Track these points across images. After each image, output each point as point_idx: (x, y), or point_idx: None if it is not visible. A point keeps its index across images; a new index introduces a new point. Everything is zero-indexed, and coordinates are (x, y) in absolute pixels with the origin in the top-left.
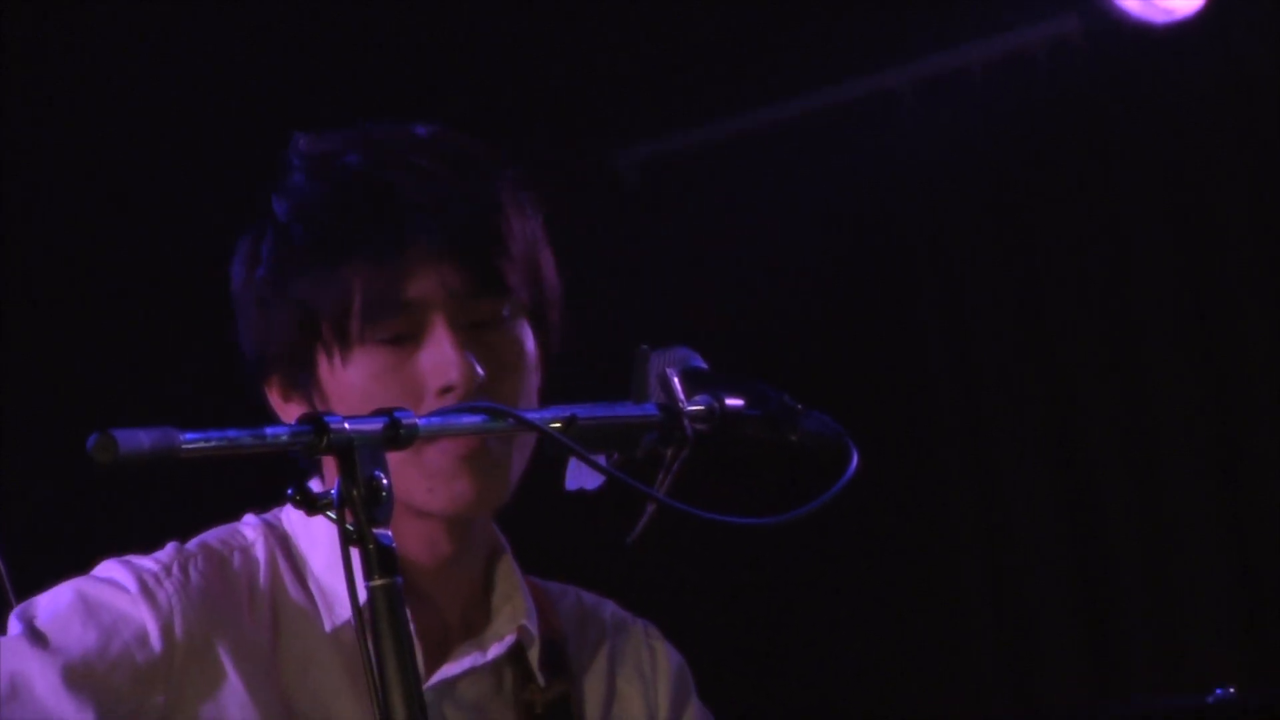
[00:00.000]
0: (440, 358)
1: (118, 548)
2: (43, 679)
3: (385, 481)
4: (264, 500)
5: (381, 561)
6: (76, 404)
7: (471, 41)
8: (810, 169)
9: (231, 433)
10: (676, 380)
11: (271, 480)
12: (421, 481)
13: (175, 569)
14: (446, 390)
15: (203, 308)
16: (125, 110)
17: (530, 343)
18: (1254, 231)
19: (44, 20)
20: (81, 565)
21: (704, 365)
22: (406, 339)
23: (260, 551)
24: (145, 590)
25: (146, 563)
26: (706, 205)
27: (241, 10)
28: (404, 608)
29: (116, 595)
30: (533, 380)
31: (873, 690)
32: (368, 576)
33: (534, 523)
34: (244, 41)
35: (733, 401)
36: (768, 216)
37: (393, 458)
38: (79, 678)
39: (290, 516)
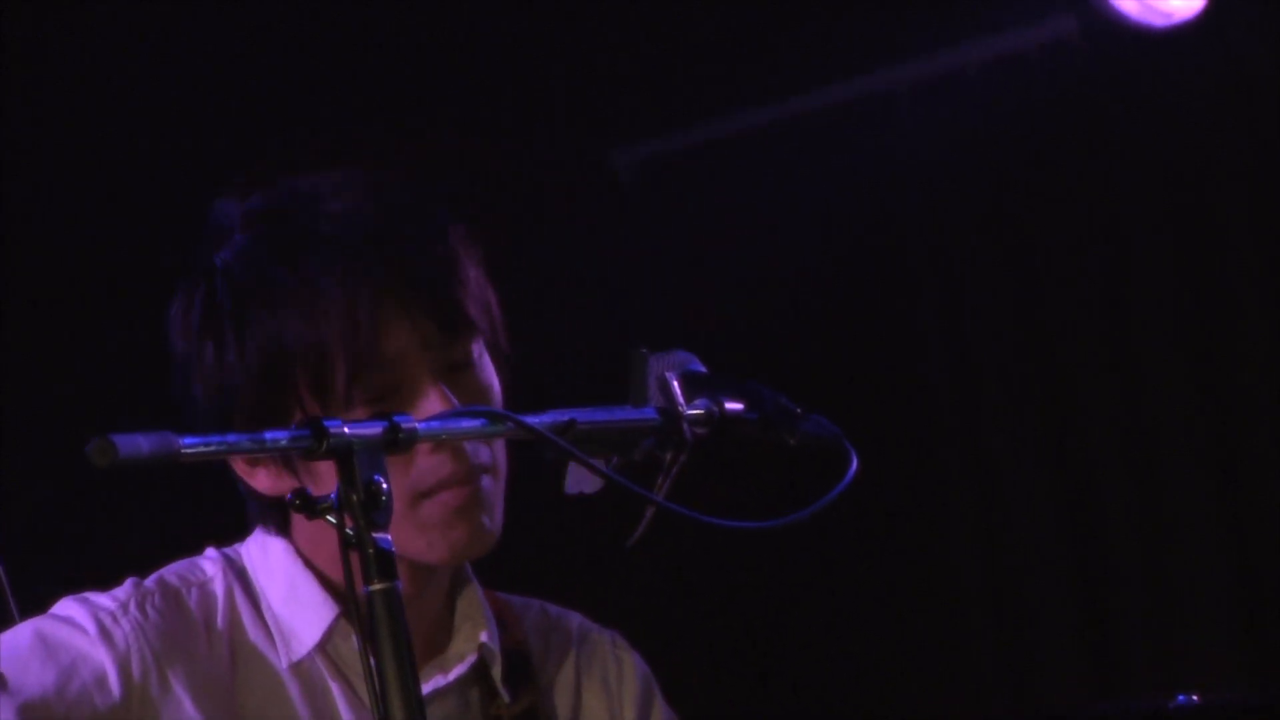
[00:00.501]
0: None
1: (117, 550)
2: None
3: (385, 485)
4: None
5: (381, 565)
6: (76, 406)
7: (469, 41)
8: (808, 169)
9: (230, 437)
10: (675, 384)
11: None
12: (419, 536)
13: (133, 607)
14: (443, 447)
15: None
16: (126, 111)
17: (495, 375)
18: (1253, 233)
19: (44, 20)
20: (80, 568)
21: (703, 369)
22: (391, 393)
23: (219, 587)
24: (103, 631)
25: (104, 601)
26: (704, 206)
27: (241, 9)
28: (404, 612)
29: (74, 635)
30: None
31: (872, 691)
32: (367, 581)
33: (534, 527)
34: (243, 41)
35: (732, 405)
36: (765, 217)
37: (395, 516)
38: (37, 718)
39: (249, 550)
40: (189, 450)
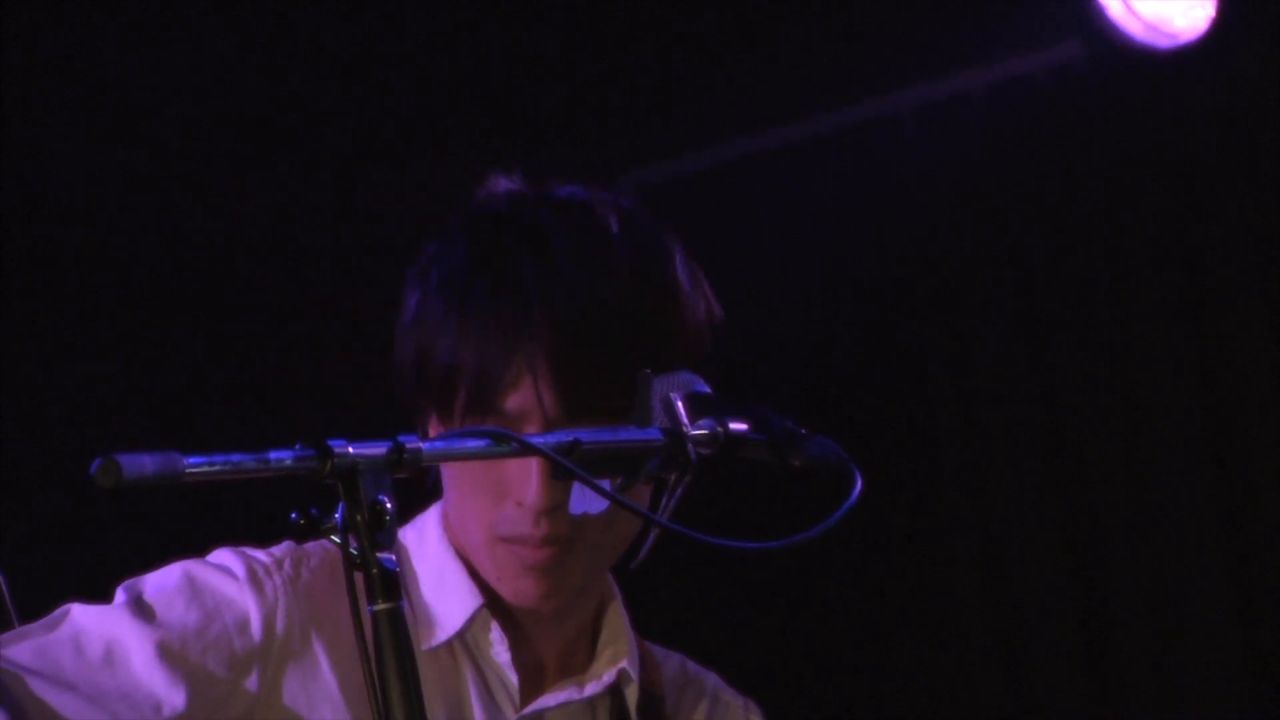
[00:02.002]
0: (523, 472)
1: (120, 563)
2: (140, 650)
3: (389, 506)
4: (267, 517)
5: (384, 586)
6: (78, 420)
7: (477, 65)
8: (814, 193)
9: (235, 457)
10: (680, 404)
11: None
12: (493, 573)
13: (287, 564)
14: (521, 505)
15: (204, 318)
16: (129, 119)
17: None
18: (1258, 254)
19: (45, 21)
20: (84, 578)
21: (707, 390)
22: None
23: None
24: (254, 579)
25: (259, 554)
26: (708, 229)
27: (247, 18)
28: (407, 632)
29: (224, 580)
30: (620, 528)
31: (871, 702)
32: (371, 601)
33: None
34: (249, 50)
35: (736, 426)
36: (771, 240)
37: (471, 543)
38: (174, 655)
39: (408, 535)
40: (193, 470)
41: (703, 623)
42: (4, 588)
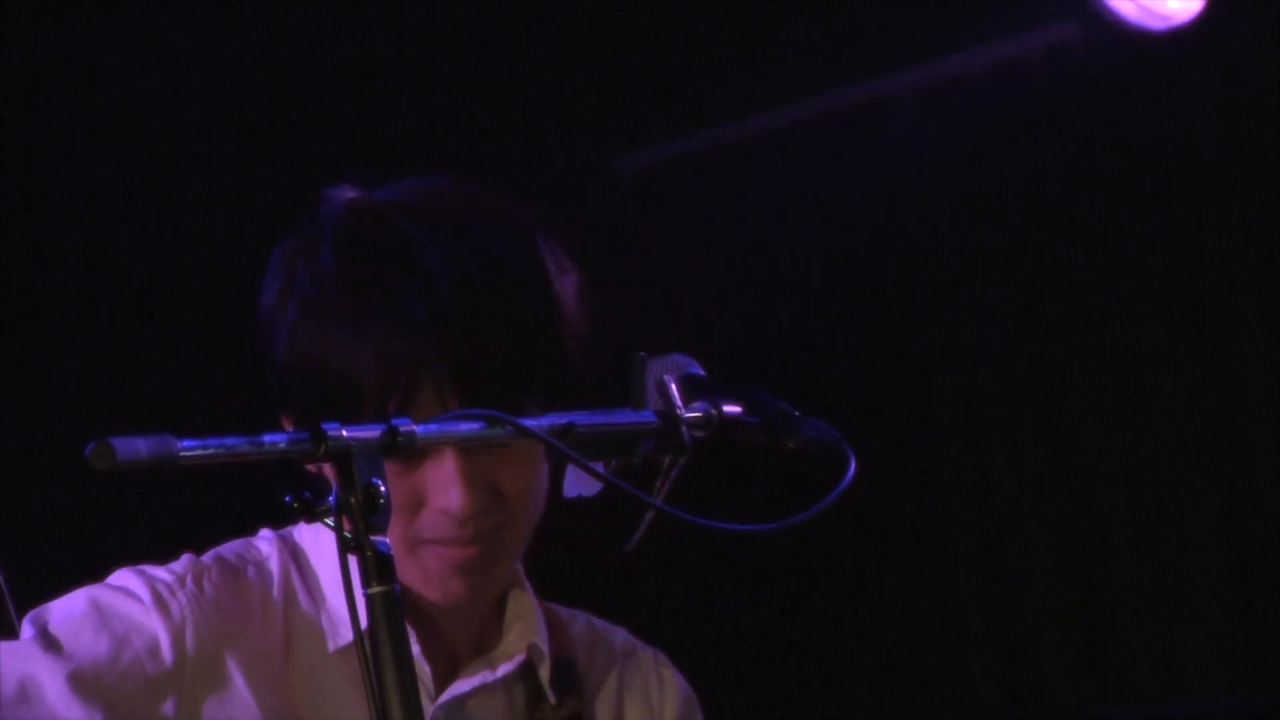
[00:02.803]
0: (441, 479)
1: (117, 553)
2: (52, 684)
3: (383, 489)
4: (266, 504)
5: (379, 569)
6: (75, 408)
7: (471, 46)
8: (810, 174)
9: (229, 440)
10: (674, 387)
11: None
12: (418, 576)
13: (189, 580)
14: (445, 512)
15: (203, 313)
16: (126, 114)
17: (542, 466)
18: (1253, 237)
19: (45, 21)
20: (81, 571)
21: (701, 372)
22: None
23: (275, 565)
24: (159, 600)
25: (161, 573)
26: (705, 211)
27: (238, 15)
28: (402, 615)
29: (130, 604)
30: (536, 506)
31: (869, 695)
32: (365, 584)
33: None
34: (242, 45)
35: (730, 408)
36: (767, 222)
37: (395, 546)
38: (88, 684)
39: (303, 532)
40: (188, 453)
41: (695, 609)
42: (2, 586)
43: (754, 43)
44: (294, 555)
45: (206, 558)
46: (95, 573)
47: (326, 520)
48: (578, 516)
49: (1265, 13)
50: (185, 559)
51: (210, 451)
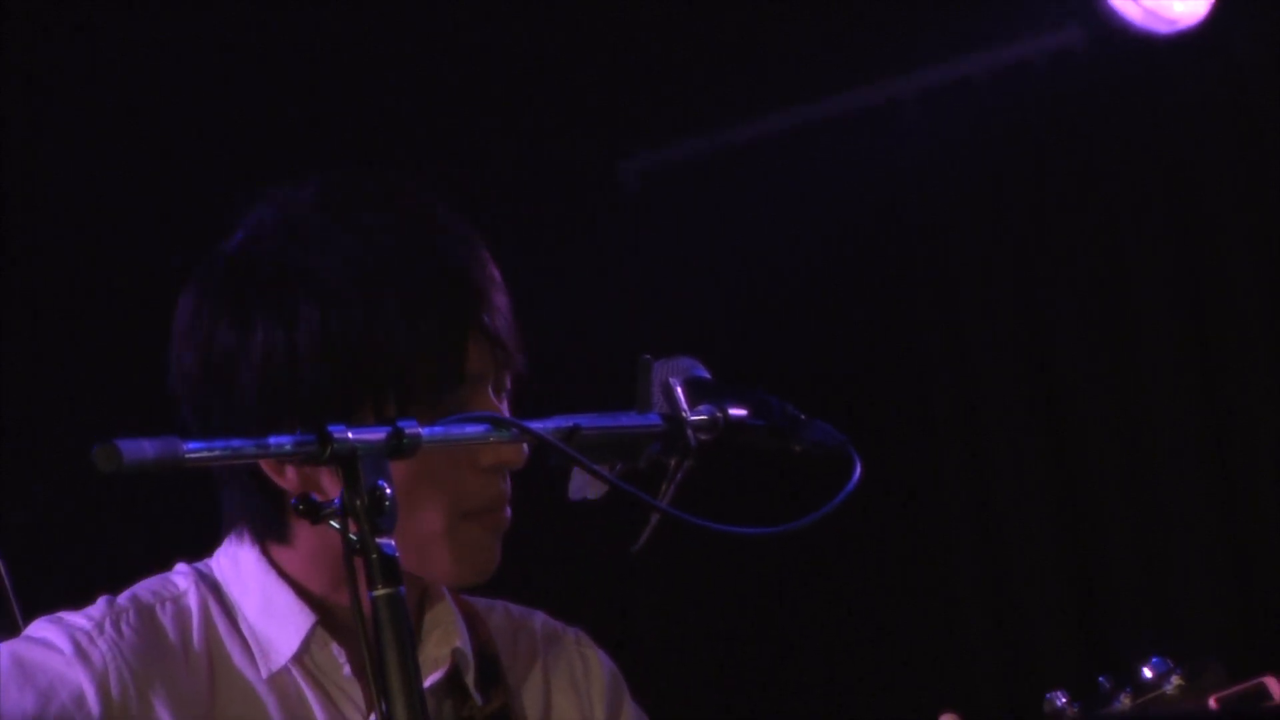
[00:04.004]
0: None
1: (120, 554)
2: None
3: (388, 491)
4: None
5: (385, 571)
6: (79, 409)
7: (475, 50)
8: (813, 178)
9: (235, 442)
10: (680, 390)
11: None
12: (447, 555)
13: (108, 626)
14: (499, 469)
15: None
16: (127, 113)
17: None
18: (1255, 240)
19: (45, 21)
20: (82, 568)
21: (707, 375)
22: (455, 408)
23: (193, 600)
24: (79, 651)
25: (79, 620)
26: (708, 214)
27: (238, 14)
28: (408, 617)
29: (51, 656)
30: None
31: (869, 694)
32: (371, 586)
33: (538, 533)
34: (242, 45)
35: (736, 411)
36: (770, 225)
37: (424, 534)
38: None
39: (219, 564)
40: (193, 455)
41: (699, 609)
42: (4, 573)
43: (758, 46)
44: (212, 588)
45: (122, 599)
46: (99, 572)
47: (332, 522)
48: (583, 519)
49: (1271, 16)
50: (101, 603)
51: (216, 454)
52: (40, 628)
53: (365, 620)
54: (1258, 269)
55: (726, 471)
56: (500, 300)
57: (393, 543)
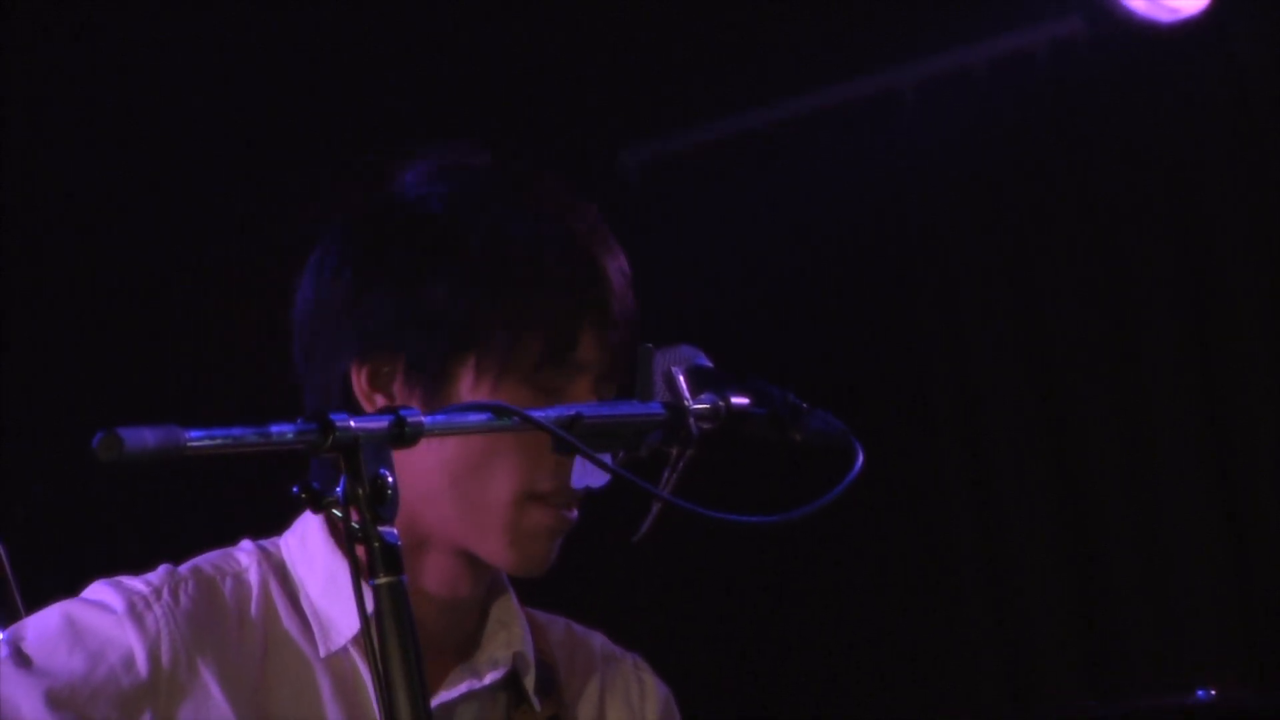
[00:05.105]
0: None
1: (120, 544)
2: (28, 702)
3: (390, 479)
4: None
5: (386, 559)
6: (80, 399)
7: (475, 40)
8: (813, 168)
9: (236, 431)
10: (681, 378)
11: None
12: (502, 536)
13: (165, 592)
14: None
15: (204, 306)
16: (126, 109)
17: None
18: (1257, 233)
19: (45, 22)
20: (83, 560)
21: (709, 363)
22: (552, 391)
23: (253, 577)
24: (133, 613)
25: (137, 585)
26: (709, 204)
27: (238, 14)
28: (410, 606)
29: (103, 618)
30: None
31: (869, 693)
32: (373, 575)
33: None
34: (242, 45)
35: (738, 400)
36: (770, 215)
37: (490, 505)
38: (64, 701)
39: (288, 544)
40: (195, 444)
41: (699, 600)
42: (4, 558)
43: (757, 36)
44: (275, 567)
45: (183, 569)
46: (101, 560)
47: (334, 510)
48: (585, 508)
49: (1272, 4)
50: (162, 570)
51: (217, 442)
52: (97, 589)
53: (366, 621)
54: (1260, 260)
55: (728, 461)
56: (623, 309)
57: (395, 531)
